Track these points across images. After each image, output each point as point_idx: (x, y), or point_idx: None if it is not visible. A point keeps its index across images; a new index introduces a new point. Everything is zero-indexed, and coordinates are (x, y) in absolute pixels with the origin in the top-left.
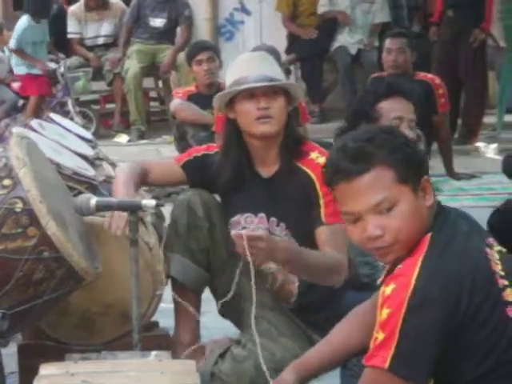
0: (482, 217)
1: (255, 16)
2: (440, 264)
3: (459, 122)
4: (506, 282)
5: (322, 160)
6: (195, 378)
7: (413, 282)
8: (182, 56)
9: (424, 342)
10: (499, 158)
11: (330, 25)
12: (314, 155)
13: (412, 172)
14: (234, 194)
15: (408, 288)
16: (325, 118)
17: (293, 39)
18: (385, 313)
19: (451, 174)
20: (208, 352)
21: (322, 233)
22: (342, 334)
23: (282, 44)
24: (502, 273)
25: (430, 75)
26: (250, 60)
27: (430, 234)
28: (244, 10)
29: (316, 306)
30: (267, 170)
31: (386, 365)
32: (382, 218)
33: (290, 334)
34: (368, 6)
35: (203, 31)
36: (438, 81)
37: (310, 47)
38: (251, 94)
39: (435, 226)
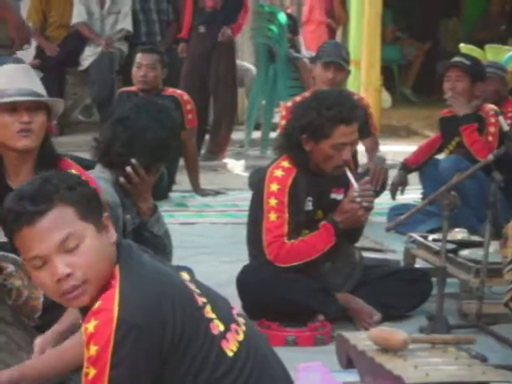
0: (225, 233)
1: None
2: (138, 291)
3: (207, 137)
4: (205, 299)
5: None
6: None
7: (115, 314)
8: None
9: (137, 371)
10: (246, 174)
11: (79, 38)
12: None
13: (92, 210)
14: None
15: (112, 322)
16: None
17: (40, 50)
18: (93, 349)
19: (197, 190)
20: None
21: None
22: (70, 348)
23: (31, 54)
24: (198, 291)
25: (178, 91)
26: (13, 73)
27: (118, 266)
28: None
29: None
30: (20, 184)
31: None
32: (70, 256)
33: (30, 349)
34: (115, 18)
35: None
36: (186, 97)
37: (56, 59)
38: (13, 107)
39: (121, 257)
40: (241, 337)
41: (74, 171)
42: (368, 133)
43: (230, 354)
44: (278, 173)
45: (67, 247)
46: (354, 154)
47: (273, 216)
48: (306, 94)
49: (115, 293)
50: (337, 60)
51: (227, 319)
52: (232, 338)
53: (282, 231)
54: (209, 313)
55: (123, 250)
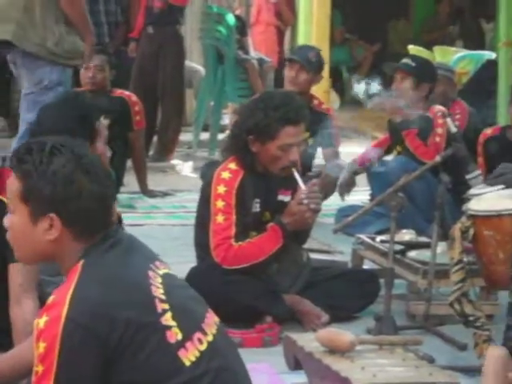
0: (174, 234)
1: None
2: (92, 292)
3: (155, 138)
4: (166, 306)
5: None
6: None
7: (64, 313)
8: None
9: (81, 372)
10: (194, 175)
11: None
12: None
13: (36, 199)
14: None
15: (60, 320)
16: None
17: None
18: (41, 346)
19: (145, 191)
20: None
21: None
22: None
23: None
24: (163, 297)
25: (127, 92)
26: None
27: (81, 262)
28: None
29: None
30: None
31: None
32: (10, 216)
33: None
34: None
35: None
36: (134, 98)
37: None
38: None
39: (91, 253)
40: (203, 346)
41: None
42: (330, 144)
43: (188, 363)
44: (225, 175)
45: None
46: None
47: (220, 218)
48: None
49: (69, 290)
50: (298, 59)
51: (190, 328)
52: (192, 347)
53: (229, 233)
54: (168, 320)
55: (96, 246)
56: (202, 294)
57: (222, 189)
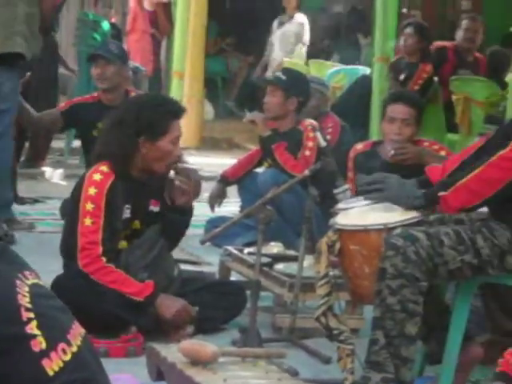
0: (41, 241)
1: None
2: None
3: (27, 145)
4: (32, 315)
5: None
6: None
7: None
8: None
9: None
10: (65, 183)
11: None
12: None
13: None
14: None
15: None
16: None
17: None
18: None
19: (15, 197)
20: None
21: None
22: None
23: None
24: (29, 305)
25: None
26: None
27: None
28: None
29: None
30: None
31: None
32: None
33: None
34: None
35: None
36: None
37: None
38: None
39: None
40: (67, 357)
41: None
42: None
43: (51, 373)
44: (97, 177)
45: None
46: None
47: (88, 221)
48: (95, 94)
49: None
50: (100, 53)
51: (55, 337)
52: (56, 357)
53: (96, 237)
54: (33, 329)
55: None
56: (67, 302)
57: (92, 191)
